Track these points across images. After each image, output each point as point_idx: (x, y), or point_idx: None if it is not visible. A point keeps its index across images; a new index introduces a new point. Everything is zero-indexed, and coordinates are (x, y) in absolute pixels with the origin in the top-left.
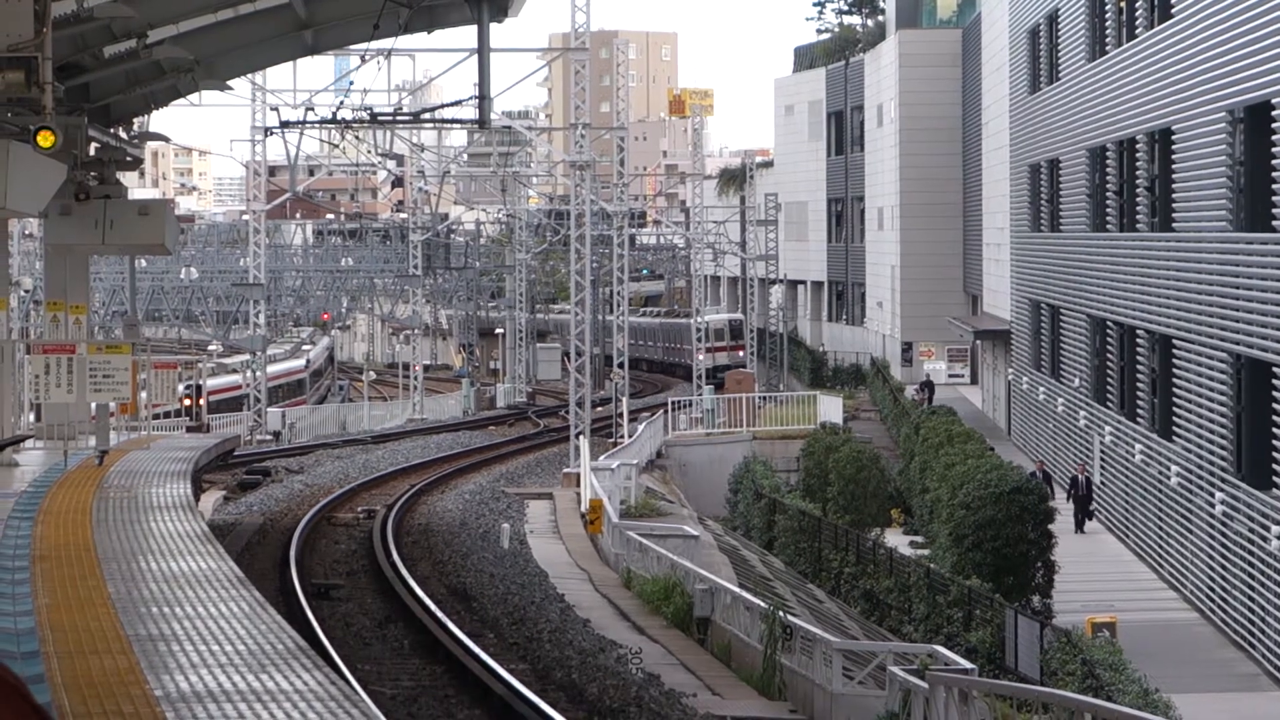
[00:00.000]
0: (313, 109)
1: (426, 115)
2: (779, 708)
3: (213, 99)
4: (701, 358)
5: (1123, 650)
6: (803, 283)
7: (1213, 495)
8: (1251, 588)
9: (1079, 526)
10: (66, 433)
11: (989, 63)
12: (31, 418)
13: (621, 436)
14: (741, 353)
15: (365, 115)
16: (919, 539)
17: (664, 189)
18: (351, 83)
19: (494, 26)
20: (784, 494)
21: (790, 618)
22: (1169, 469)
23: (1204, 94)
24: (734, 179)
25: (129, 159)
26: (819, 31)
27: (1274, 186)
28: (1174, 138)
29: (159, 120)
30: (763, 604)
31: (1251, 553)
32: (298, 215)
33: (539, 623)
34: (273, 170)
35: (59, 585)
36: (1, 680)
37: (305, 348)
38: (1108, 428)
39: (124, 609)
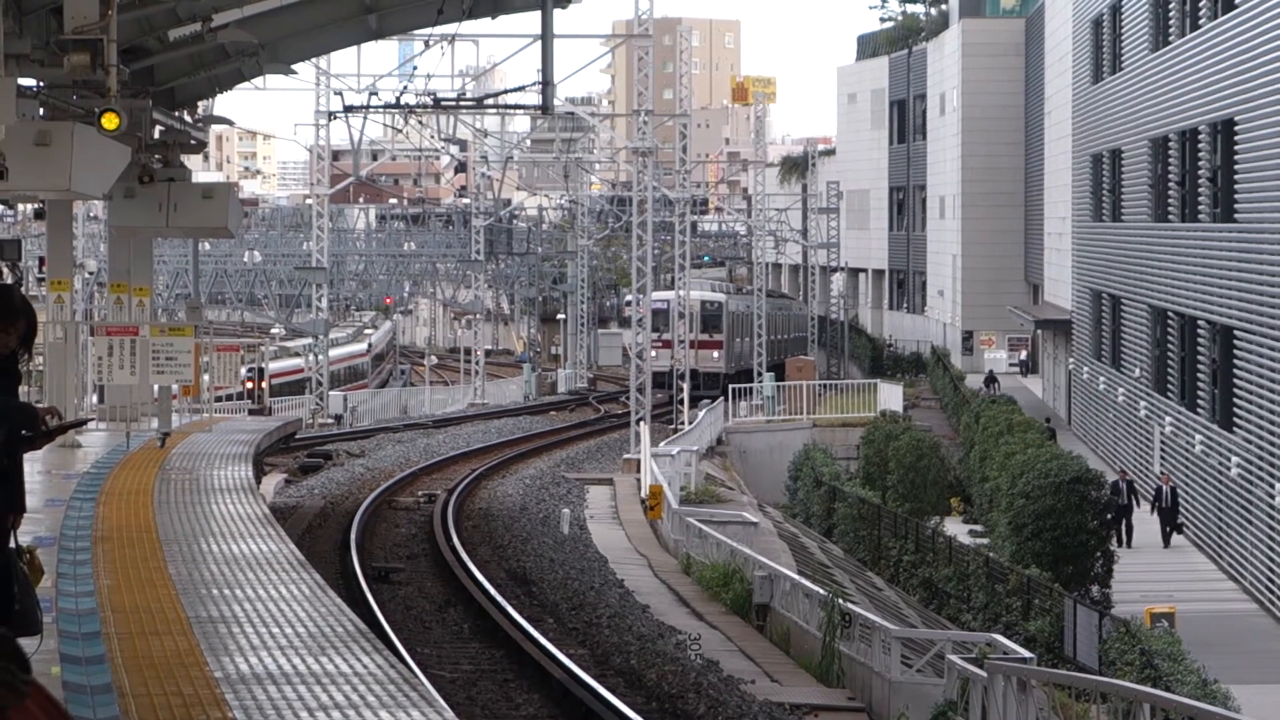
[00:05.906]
0: (376, 93)
1: (490, 101)
2: (837, 695)
3: (277, 83)
4: (655, 355)
5: (1181, 640)
6: (864, 271)
7: (1273, 486)
8: None
9: (1165, 540)
10: (129, 414)
11: (1052, 52)
12: (94, 399)
13: (682, 423)
14: (719, 352)
15: (429, 100)
16: (978, 528)
17: (726, 176)
18: (415, 67)
19: (558, 12)
20: (844, 482)
21: (849, 605)
22: (1229, 460)
23: (1267, 85)
24: (796, 166)
25: (193, 142)
26: (882, 20)
27: None
28: (1237, 128)
29: (223, 103)
30: (822, 591)
31: None
32: (361, 199)
33: (598, 608)
34: (336, 154)
35: (120, 566)
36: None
37: (367, 332)
38: (1168, 418)
39: (185, 590)
